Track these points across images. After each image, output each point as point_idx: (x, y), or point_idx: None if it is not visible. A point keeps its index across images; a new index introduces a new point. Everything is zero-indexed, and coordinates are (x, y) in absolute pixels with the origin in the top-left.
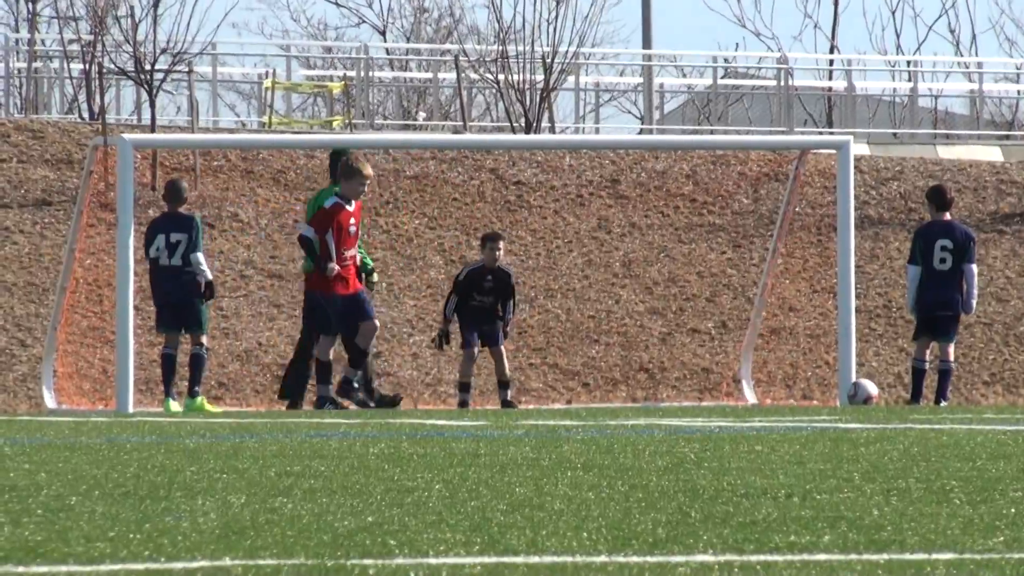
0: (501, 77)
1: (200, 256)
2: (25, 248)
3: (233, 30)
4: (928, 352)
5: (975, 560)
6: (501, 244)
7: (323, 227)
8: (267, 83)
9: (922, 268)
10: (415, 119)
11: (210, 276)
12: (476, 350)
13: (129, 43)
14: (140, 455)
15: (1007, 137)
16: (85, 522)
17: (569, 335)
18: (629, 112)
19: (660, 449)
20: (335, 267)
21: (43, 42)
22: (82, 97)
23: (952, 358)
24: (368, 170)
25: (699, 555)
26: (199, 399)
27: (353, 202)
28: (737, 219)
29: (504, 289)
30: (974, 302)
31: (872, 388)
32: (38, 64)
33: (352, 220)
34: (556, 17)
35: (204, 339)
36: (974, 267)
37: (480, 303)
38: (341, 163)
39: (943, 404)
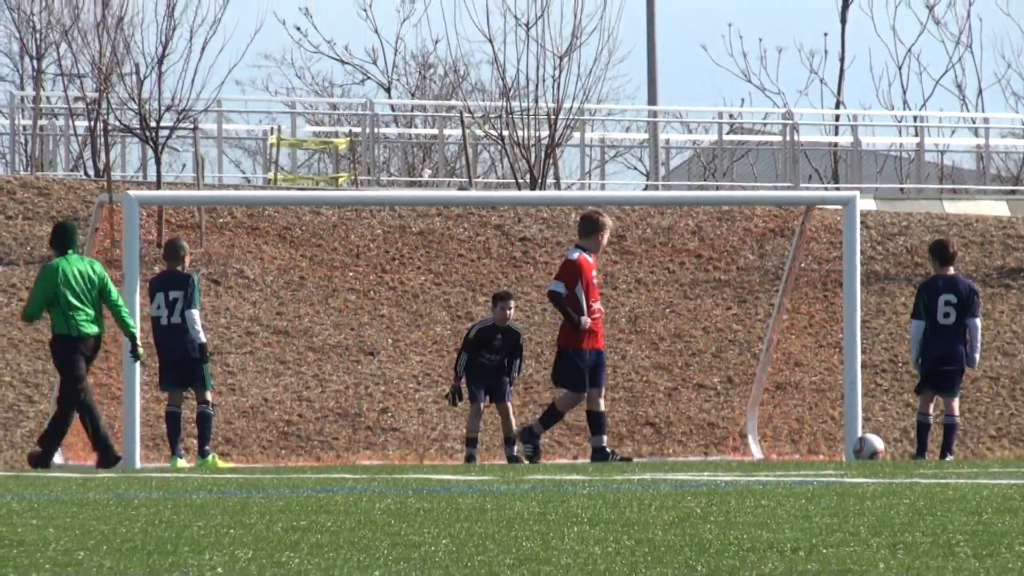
0: (506, 133)
1: (195, 314)
2: None
3: (237, 87)
4: (932, 406)
5: None
6: (512, 303)
7: (573, 281)
8: (272, 140)
9: (926, 323)
10: (420, 175)
11: (203, 338)
12: (483, 405)
13: (134, 100)
14: (147, 510)
15: (1013, 192)
16: None
17: None
18: (635, 168)
19: (666, 504)
20: (588, 320)
21: (48, 100)
22: (87, 154)
23: (956, 412)
24: (611, 222)
25: None
26: (210, 457)
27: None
28: (743, 275)
29: (513, 347)
30: (978, 356)
31: (878, 443)
32: (43, 122)
33: (594, 272)
34: (560, 73)
35: (209, 396)
36: (978, 321)
37: (488, 360)
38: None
39: (948, 459)
